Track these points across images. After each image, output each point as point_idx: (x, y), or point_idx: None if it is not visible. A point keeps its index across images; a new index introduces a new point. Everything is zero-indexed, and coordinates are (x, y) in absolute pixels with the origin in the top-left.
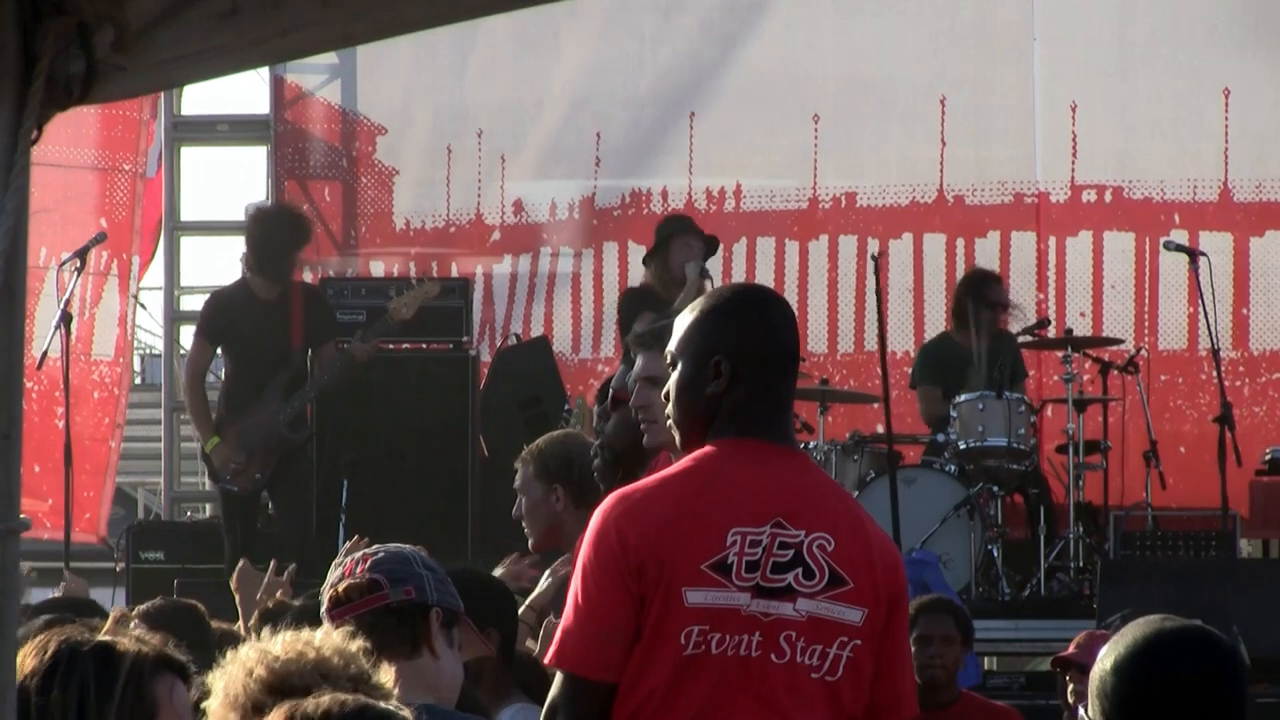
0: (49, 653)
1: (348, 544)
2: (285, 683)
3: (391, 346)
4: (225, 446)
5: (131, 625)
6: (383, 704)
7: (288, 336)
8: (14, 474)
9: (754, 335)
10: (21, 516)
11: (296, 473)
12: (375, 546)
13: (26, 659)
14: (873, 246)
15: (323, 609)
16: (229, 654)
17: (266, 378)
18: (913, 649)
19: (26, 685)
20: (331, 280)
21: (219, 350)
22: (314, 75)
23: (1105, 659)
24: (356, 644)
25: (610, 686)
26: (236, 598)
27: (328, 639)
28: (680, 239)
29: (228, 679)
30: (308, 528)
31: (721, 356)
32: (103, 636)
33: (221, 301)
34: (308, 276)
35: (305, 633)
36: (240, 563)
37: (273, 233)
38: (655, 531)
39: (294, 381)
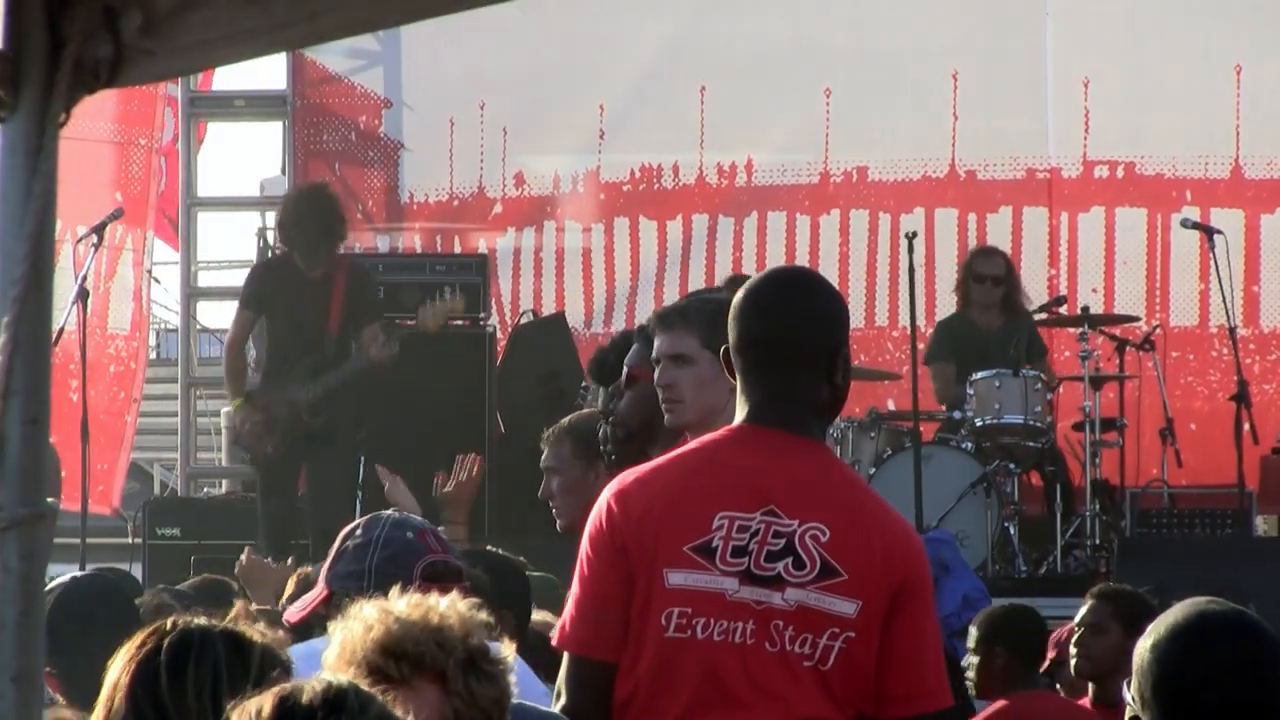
0: (178, 633)
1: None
2: (399, 646)
3: (411, 323)
4: (247, 408)
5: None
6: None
7: (325, 318)
8: (42, 459)
9: (755, 324)
10: (49, 501)
11: (327, 457)
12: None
13: (146, 638)
14: (886, 222)
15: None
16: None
17: (301, 356)
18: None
19: (155, 662)
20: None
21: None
22: (327, 50)
23: (1146, 639)
24: (481, 615)
25: (610, 666)
26: (246, 588)
27: (453, 607)
28: None
29: (346, 634)
30: (336, 512)
31: (729, 346)
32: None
33: (266, 273)
34: None
35: (432, 597)
36: (245, 553)
37: (318, 216)
38: (641, 511)
39: (322, 364)
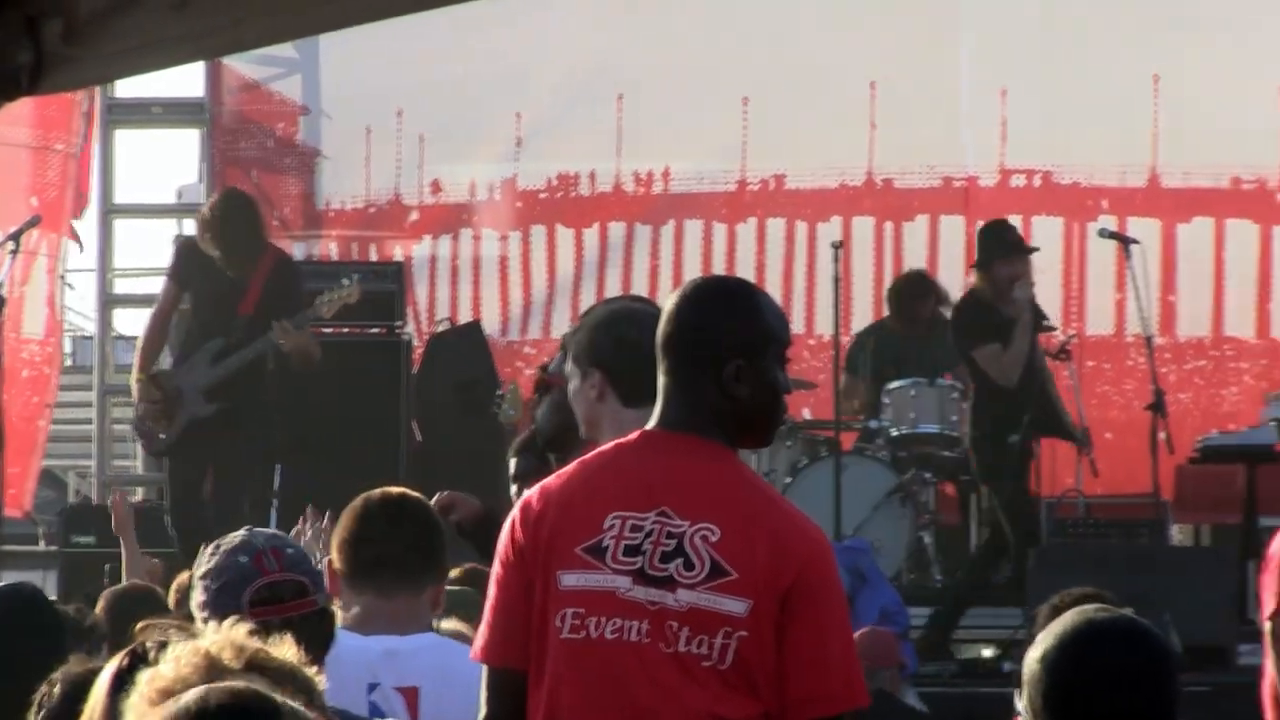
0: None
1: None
2: (170, 687)
3: (329, 331)
4: (147, 387)
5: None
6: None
7: (239, 302)
8: None
9: (662, 328)
10: None
11: (235, 454)
12: (266, 535)
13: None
14: (803, 230)
15: (199, 600)
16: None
17: (209, 339)
18: None
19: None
20: (305, 263)
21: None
22: (245, 57)
23: (1035, 649)
24: (253, 641)
25: (521, 674)
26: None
27: (222, 633)
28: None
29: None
30: (240, 510)
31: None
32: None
33: (192, 250)
34: None
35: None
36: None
37: (238, 223)
38: (537, 516)
39: (227, 349)
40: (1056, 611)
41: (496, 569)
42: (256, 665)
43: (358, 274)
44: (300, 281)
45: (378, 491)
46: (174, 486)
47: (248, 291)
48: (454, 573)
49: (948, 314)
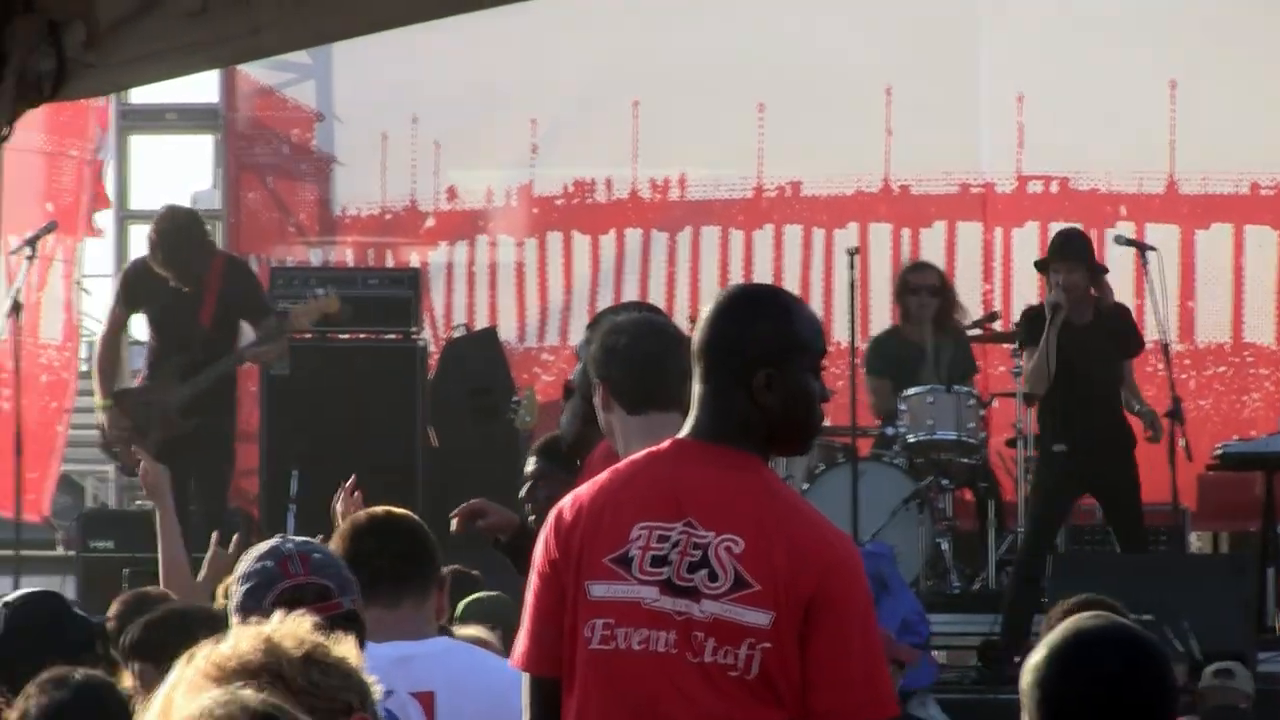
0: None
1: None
2: (226, 663)
3: (345, 337)
4: (115, 413)
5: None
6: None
7: (196, 315)
8: None
9: (696, 336)
10: None
11: (213, 458)
12: (297, 541)
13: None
14: (820, 237)
15: (233, 604)
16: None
17: (171, 356)
18: None
19: None
20: (280, 269)
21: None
22: (259, 63)
23: (1030, 659)
24: (308, 620)
25: (556, 682)
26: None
27: (278, 620)
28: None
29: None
30: (221, 513)
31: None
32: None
33: (137, 269)
34: (254, 268)
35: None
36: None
37: (181, 243)
38: (569, 526)
39: (192, 365)
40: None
41: (533, 579)
42: (314, 658)
43: (374, 279)
44: (254, 277)
45: (363, 514)
46: None
47: (203, 303)
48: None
49: (964, 321)
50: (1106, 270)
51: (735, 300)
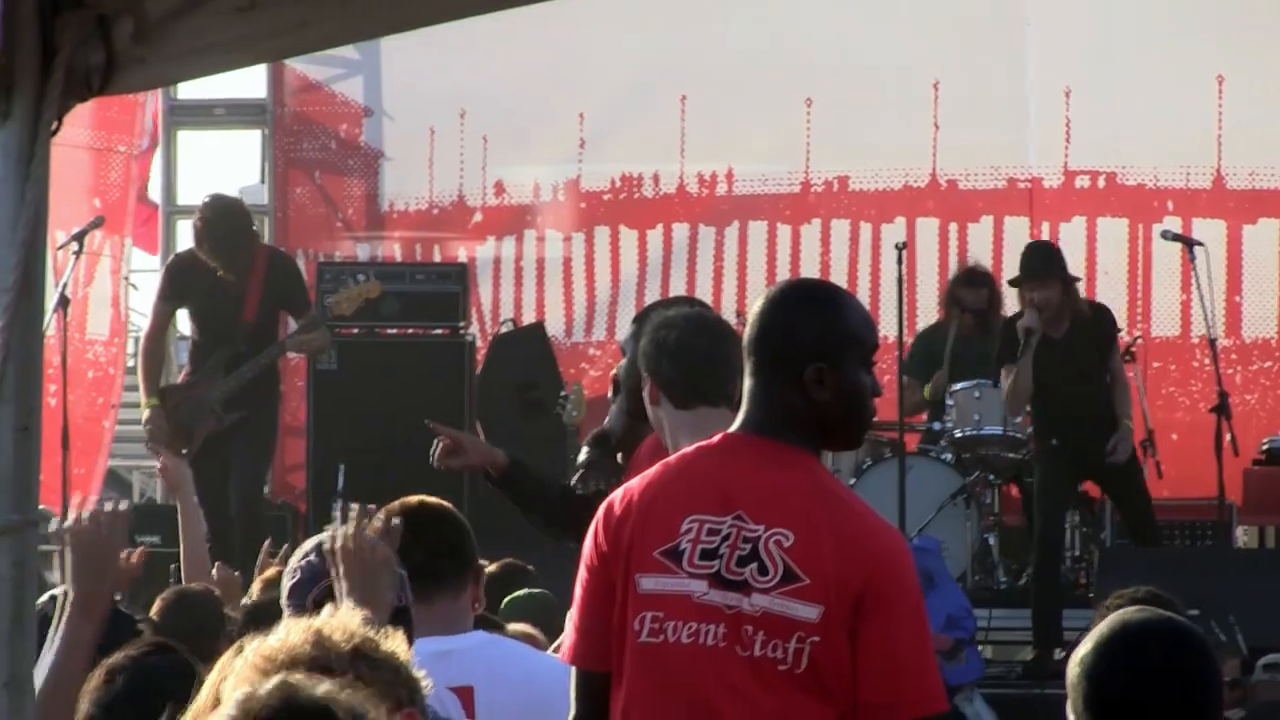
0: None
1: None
2: (276, 656)
3: (393, 331)
4: (159, 413)
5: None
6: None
7: (239, 309)
8: (33, 466)
9: (747, 331)
10: (41, 507)
11: (255, 451)
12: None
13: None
14: (867, 231)
15: (285, 590)
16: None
17: (215, 350)
18: None
19: None
20: (328, 265)
21: (184, 314)
22: (307, 59)
23: (1077, 653)
24: (359, 613)
25: (604, 676)
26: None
27: (329, 615)
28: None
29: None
30: (260, 506)
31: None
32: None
33: (181, 264)
34: (301, 262)
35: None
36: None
37: (222, 228)
38: (619, 519)
39: (235, 359)
40: (1109, 612)
41: (582, 572)
42: (362, 652)
43: (421, 274)
44: (297, 271)
45: (395, 504)
46: (199, 496)
47: (246, 297)
48: (490, 568)
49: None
50: (1078, 279)
51: (787, 295)
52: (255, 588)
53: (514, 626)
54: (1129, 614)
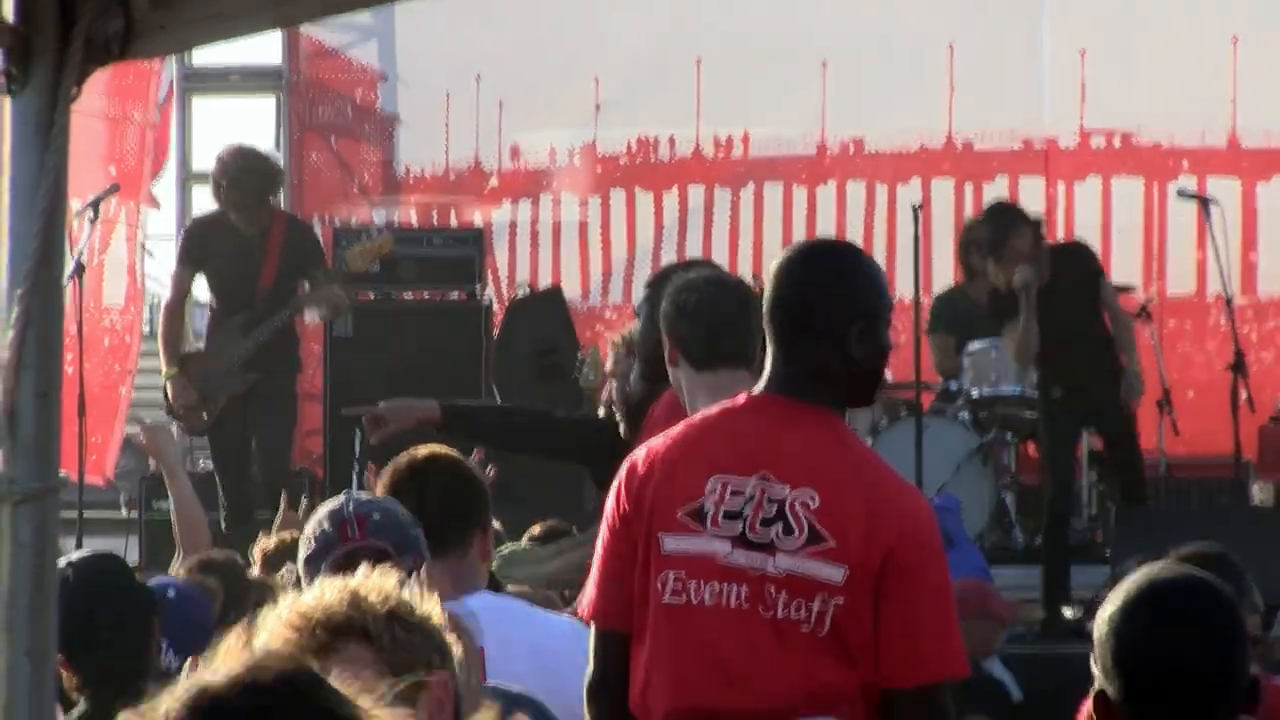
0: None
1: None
2: (312, 615)
3: (410, 296)
4: (180, 381)
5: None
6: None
7: (258, 273)
8: (54, 433)
9: (773, 293)
10: (62, 474)
11: (276, 412)
12: (362, 499)
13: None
14: (883, 193)
15: (301, 559)
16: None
17: (234, 314)
18: None
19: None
20: (345, 230)
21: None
22: (321, 24)
23: (1103, 611)
24: (393, 575)
25: (624, 636)
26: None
27: (364, 575)
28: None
29: (269, 626)
30: (285, 468)
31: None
32: None
33: (201, 229)
34: (318, 228)
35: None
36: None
37: (252, 173)
38: (642, 479)
39: (253, 321)
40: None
41: (603, 532)
42: (398, 615)
43: (438, 239)
44: (315, 237)
45: (403, 458)
46: (221, 460)
47: (265, 262)
48: (535, 530)
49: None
50: (1041, 220)
51: (816, 257)
52: (256, 556)
53: (513, 587)
54: (1155, 571)
